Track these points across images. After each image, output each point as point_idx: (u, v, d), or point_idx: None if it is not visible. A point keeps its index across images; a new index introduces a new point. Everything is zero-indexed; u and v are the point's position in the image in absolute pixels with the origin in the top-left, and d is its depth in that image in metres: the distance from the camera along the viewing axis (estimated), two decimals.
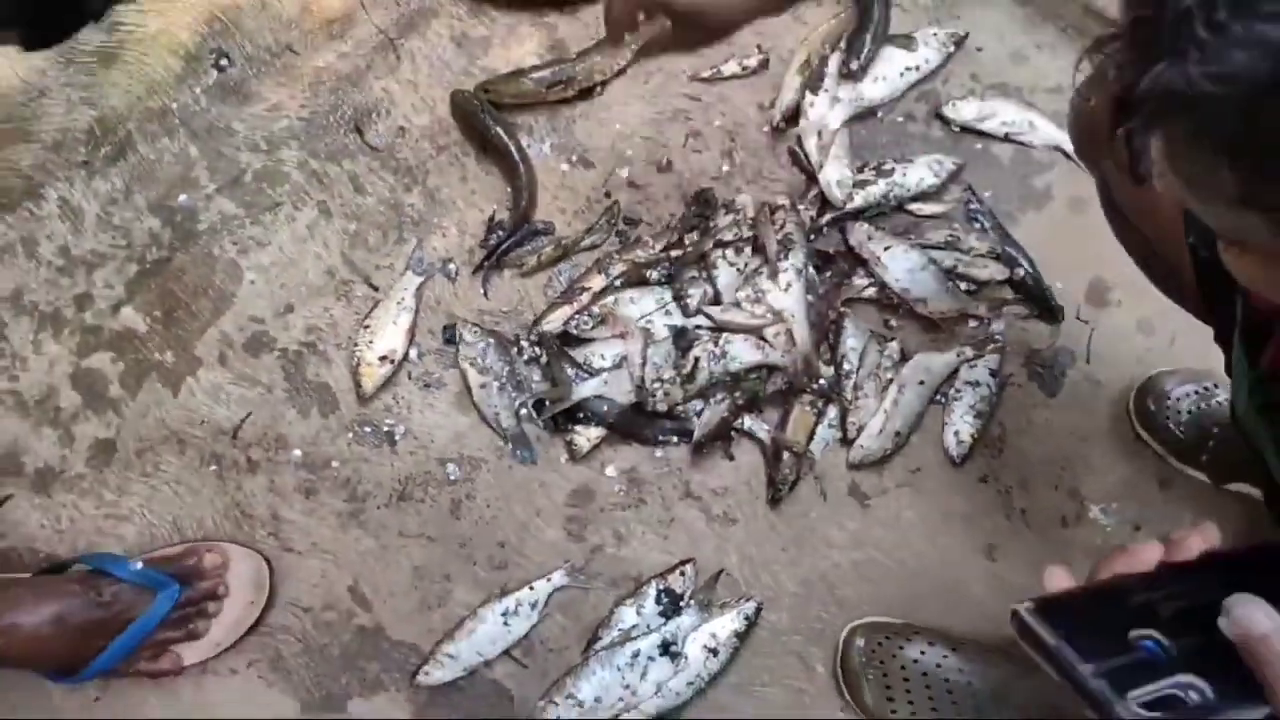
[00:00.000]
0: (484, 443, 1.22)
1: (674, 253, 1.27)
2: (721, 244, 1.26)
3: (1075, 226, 1.29)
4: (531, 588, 1.16)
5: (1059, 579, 0.54)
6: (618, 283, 1.26)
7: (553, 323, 1.24)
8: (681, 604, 1.15)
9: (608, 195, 1.32)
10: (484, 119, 1.31)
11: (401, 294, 1.27)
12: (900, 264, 1.25)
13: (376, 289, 1.28)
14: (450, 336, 1.26)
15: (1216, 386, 1.18)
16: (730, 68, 1.36)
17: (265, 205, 1.32)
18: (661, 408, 1.20)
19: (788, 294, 1.23)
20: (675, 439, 1.22)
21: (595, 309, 1.24)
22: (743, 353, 1.21)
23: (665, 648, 1.12)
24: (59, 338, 1.27)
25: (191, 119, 1.35)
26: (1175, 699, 0.48)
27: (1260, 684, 0.48)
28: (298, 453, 1.22)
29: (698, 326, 1.23)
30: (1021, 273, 1.27)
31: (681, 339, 1.23)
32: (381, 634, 1.16)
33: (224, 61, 1.37)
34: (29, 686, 1.12)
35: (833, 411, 1.23)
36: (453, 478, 1.21)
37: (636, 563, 1.18)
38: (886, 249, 1.26)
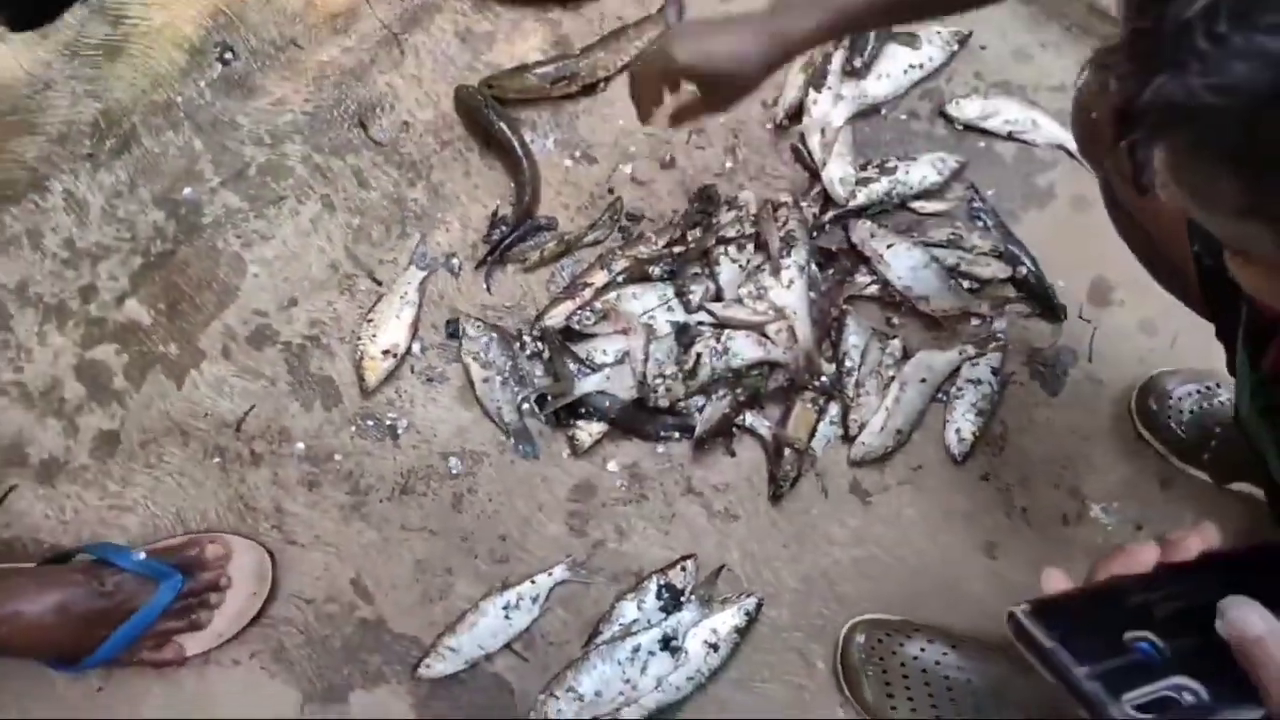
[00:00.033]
0: (486, 437, 1.23)
1: (676, 249, 1.27)
2: (724, 241, 1.26)
3: (1078, 225, 1.29)
4: (533, 582, 1.16)
5: (1056, 581, 0.54)
6: (620, 278, 1.26)
7: (555, 318, 1.24)
8: (682, 599, 1.15)
9: (611, 191, 1.32)
10: (488, 114, 1.31)
11: (405, 288, 1.27)
12: (903, 262, 1.26)
13: (380, 283, 1.29)
14: (453, 331, 1.26)
15: (1218, 386, 1.18)
16: None
17: (269, 199, 1.32)
18: (663, 404, 1.21)
19: (790, 291, 1.23)
20: (677, 435, 1.22)
21: (598, 304, 1.24)
22: (745, 349, 1.21)
23: (666, 643, 1.12)
24: (64, 329, 1.27)
25: (196, 112, 1.35)
26: (1170, 700, 0.48)
27: (1255, 686, 0.48)
28: (301, 446, 1.22)
29: (700, 323, 1.24)
30: (1024, 271, 1.27)
31: (684, 335, 1.23)
32: (383, 626, 1.17)
33: (229, 55, 1.37)
34: (32, 675, 1.13)
35: (834, 409, 1.23)
36: (455, 472, 1.22)
37: (638, 558, 1.19)
38: (889, 247, 1.26)
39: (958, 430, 1.22)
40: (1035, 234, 1.29)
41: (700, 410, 1.22)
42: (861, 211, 1.29)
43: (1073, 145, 1.27)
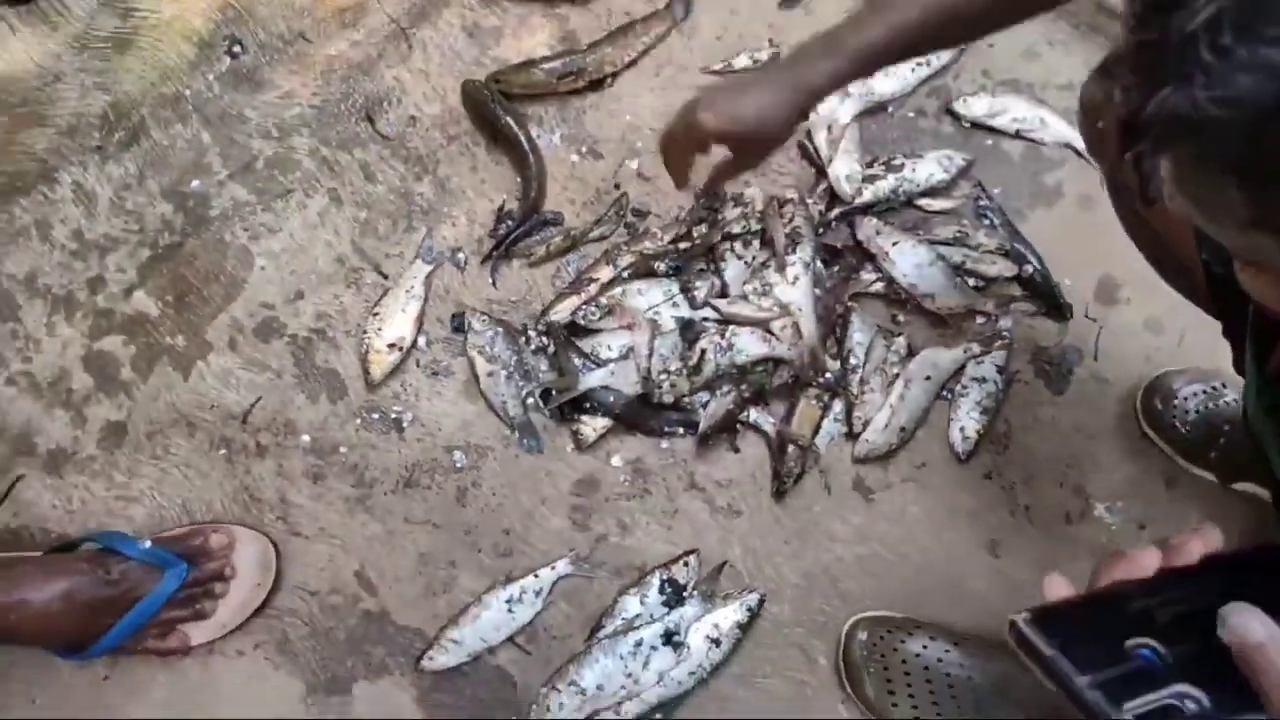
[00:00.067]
0: (491, 431, 1.23)
1: (682, 245, 1.27)
2: (729, 237, 1.26)
3: (1085, 224, 1.29)
4: (536, 575, 1.17)
5: (1058, 587, 0.54)
6: (626, 274, 1.26)
7: (560, 313, 1.25)
8: (685, 594, 1.15)
9: (617, 187, 1.32)
10: (494, 109, 1.31)
11: (411, 282, 1.27)
12: (908, 259, 1.25)
13: (386, 277, 1.29)
14: (459, 325, 1.26)
15: (1225, 386, 1.18)
16: (741, 61, 1.36)
17: (277, 192, 1.32)
18: (668, 399, 1.21)
19: (795, 287, 1.23)
20: (681, 430, 1.22)
21: (603, 300, 1.24)
22: (749, 345, 1.21)
23: (668, 637, 1.13)
24: (72, 320, 1.28)
25: (204, 105, 1.35)
26: (1172, 709, 0.47)
27: (1257, 692, 0.48)
28: (306, 438, 1.23)
29: (705, 319, 1.24)
30: (1030, 269, 1.27)
31: (688, 331, 1.23)
32: (387, 619, 1.17)
33: (237, 48, 1.37)
34: (38, 663, 1.14)
35: (838, 406, 1.23)
36: (459, 465, 1.22)
37: (640, 553, 1.19)
38: (895, 244, 1.26)
39: (962, 428, 1.22)
40: (1042, 232, 1.29)
41: (704, 406, 1.22)
42: (867, 209, 1.29)
43: (1080, 144, 1.26)
